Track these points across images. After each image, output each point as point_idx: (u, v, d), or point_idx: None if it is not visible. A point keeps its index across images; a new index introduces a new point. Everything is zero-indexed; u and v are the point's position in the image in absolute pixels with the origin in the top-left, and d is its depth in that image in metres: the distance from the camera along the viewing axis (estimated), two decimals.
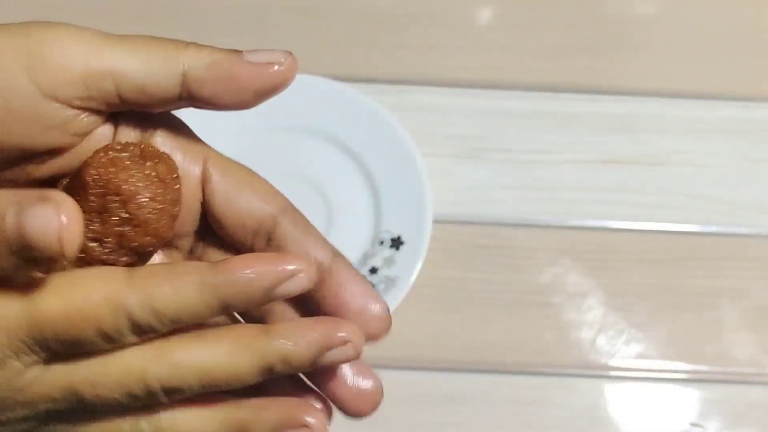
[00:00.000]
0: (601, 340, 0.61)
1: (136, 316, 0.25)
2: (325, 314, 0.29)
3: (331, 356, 0.27)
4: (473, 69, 0.68)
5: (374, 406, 0.29)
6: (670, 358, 0.61)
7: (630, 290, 0.62)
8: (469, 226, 0.64)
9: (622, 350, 0.61)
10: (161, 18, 0.68)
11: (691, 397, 0.60)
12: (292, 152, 0.64)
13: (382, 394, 0.29)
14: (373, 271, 0.61)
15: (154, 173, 0.27)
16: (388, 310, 0.30)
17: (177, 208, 0.28)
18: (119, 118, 0.29)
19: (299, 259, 0.26)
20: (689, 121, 0.67)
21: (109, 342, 0.26)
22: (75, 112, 0.27)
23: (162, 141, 0.29)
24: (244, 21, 0.69)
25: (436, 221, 0.62)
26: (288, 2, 0.70)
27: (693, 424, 0.60)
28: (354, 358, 0.28)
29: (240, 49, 0.29)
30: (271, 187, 0.30)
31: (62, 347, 0.26)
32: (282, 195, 0.30)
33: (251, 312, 0.30)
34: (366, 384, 0.29)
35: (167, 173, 0.28)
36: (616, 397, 0.60)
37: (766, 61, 0.69)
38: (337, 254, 0.30)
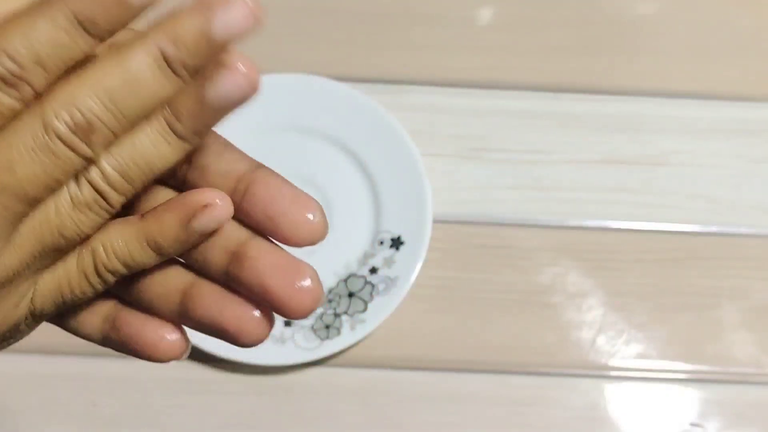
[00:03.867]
0: (601, 340, 0.61)
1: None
2: (257, 223, 0.27)
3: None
4: (473, 69, 0.68)
5: (316, 303, 0.27)
6: (670, 358, 0.61)
7: (630, 290, 0.62)
8: (469, 226, 0.64)
9: (622, 350, 0.61)
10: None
11: (691, 397, 0.60)
12: (292, 152, 0.64)
13: (321, 292, 0.27)
14: (374, 271, 0.61)
15: None
16: (322, 212, 0.27)
17: None
18: None
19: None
20: (689, 121, 0.67)
21: None
22: None
23: None
24: None
25: (436, 221, 0.62)
26: (288, 2, 0.70)
27: (693, 424, 0.60)
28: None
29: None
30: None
31: None
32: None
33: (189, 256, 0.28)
34: (304, 282, 0.27)
35: None
36: (616, 397, 0.60)
37: (765, 62, 0.69)
38: (260, 165, 0.28)
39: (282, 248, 0.27)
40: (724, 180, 0.66)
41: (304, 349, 0.59)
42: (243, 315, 0.27)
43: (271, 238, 0.27)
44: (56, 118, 0.24)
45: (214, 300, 0.27)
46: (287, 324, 0.60)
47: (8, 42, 0.23)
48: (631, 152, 0.66)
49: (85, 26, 0.24)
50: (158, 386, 0.59)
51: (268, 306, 0.27)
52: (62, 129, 0.24)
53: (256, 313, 0.27)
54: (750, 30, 0.70)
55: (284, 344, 0.59)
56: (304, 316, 0.27)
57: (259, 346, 0.60)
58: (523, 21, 0.70)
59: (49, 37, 0.24)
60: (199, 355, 0.59)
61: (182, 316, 0.28)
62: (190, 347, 0.29)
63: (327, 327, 0.59)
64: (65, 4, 0.24)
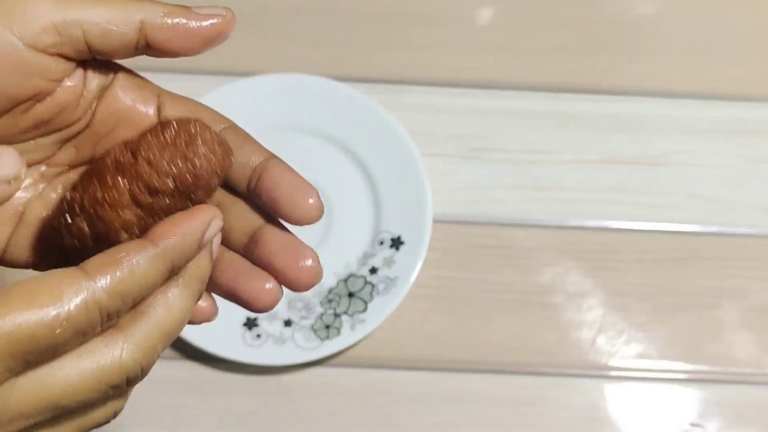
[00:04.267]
0: (601, 340, 0.61)
1: (107, 306, 0.27)
2: (265, 205, 0.33)
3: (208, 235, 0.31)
4: (473, 69, 0.68)
5: (316, 279, 0.33)
6: (670, 358, 0.61)
7: (630, 290, 0.63)
8: (469, 226, 0.64)
9: (622, 350, 0.61)
10: None
11: (691, 397, 0.60)
12: (292, 152, 0.64)
13: (321, 271, 0.33)
14: (374, 271, 0.61)
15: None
16: (318, 196, 0.32)
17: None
18: (86, 67, 0.33)
19: (208, 207, 0.31)
20: (689, 121, 0.67)
21: (82, 338, 0.27)
22: (52, 58, 0.31)
23: (122, 82, 0.34)
24: (244, 21, 0.69)
25: (436, 221, 0.62)
26: (288, 3, 0.70)
27: (693, 424, 0.60)
28: (220, 227, 0.31)
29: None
30: (215, 111, 0.34)
31: (38, 356, 0.27)
32: (225, 117, 0.34)
33: None
34: (306, 262, 0.32)
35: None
36: (616, 397, 0.60)
37: (765, 62, 0.70)
38: (272, 156, 0.33)
39: (290, 233, 0.33)
40: (724, 180, 0.66)
41: (304, 349, 0.59)
42: (256, 286, 0.32)
43: (282, 222, 0.33)
44: (134, 364, 0.28)
45: (233, 272, 0.33)
46: (287, 324, 0.60)
47: (123, 286, 0.28)
48: (631, 152, 0.66)
49: (173, 271, 0.29)
50: (158, 386, 0.59)
51: (277, 280, 0.33)
52: (139, 375, 0.29)
53: (268, 285, 0.33)
54: (750, 30, 0.70)
55: (284, 344, 0.59)
56: (305, 289, 0.33)
57: (260, 346, 0.62)
58: (523, 21, 0.70)
59: (154, 283, 0.29)
60: (199, 355, 0.59)
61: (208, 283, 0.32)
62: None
63: (327, 327, 0.59)
64: (166, 259, 0.29)
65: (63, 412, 0.28)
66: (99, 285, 0.27)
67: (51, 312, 0.26)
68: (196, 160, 0.31)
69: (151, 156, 0.31)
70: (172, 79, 0.66)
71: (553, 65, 0.68)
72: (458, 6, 0.70)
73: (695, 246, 0.64)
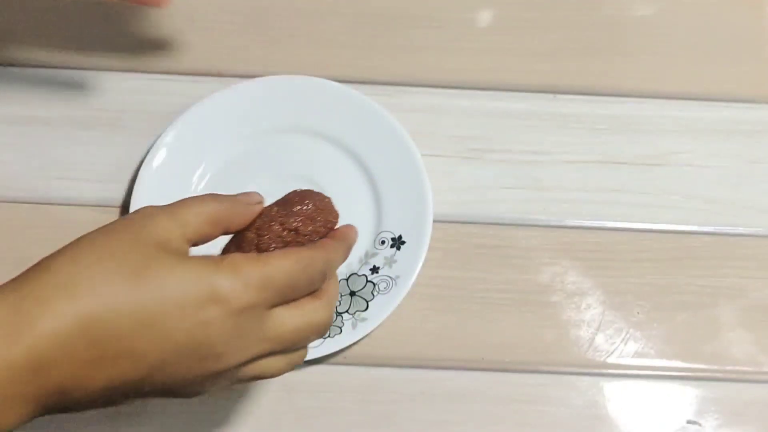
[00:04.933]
0: (600, 339, 0.62)
1: (326, 268, 0.43)
2: None
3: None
4: (473, 70, 0.68)
5: None
6: (668, 357, 0.61)
7: (628, 289, 0.63)
8: (469, 226, 0.64)
9: (621, 348, 0.62)
10: (162, 18, 0.69)
11: (689, 395, 0.61)
12: (293, 153, 0.65)
13: None
14: (375, 270, 0.61)
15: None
16: None
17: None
18: None
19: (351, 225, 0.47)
20: (687, 122, 0.68)
21: (311, 286, 0.42)
22: None
23: None
24: (246, 23, 0.69)
25: (436, 221, 0.62)
26: (289, 4, 0.70)
27: (690, 422, 0.60)
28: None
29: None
30: None
31: (287, 291, 0.40)
32: None
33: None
34: None
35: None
36: (614, 395, 0.61)
37: (763, 63, 0.70)
38: None
39: None
40: (722, 180, 0.66)
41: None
42: None
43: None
44: (328, 319, 0.44)
45: None
46: None
47: (333, 260, 0.44)
48: (630, 153, 0.67)
49: (346, 258, 0.47)
50: None
51: None
52: (328, 329, 0.44)
53: None
54: (748, 32, 0.71)
55: None
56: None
57: None
58: (523, 23, 0.70)
59: (340, 263, 0.46)
60: None
61: None
62: None
63: None
64: (347, 250, 0.47)
65: (287, 346, 0.42)
66: (323, 254, 0.42)
67: (299, 262, 0.41)
68: (331, 221, 0.46)
69: (306, 230, 0.45)
70: (175, 82, 0.66)
71: (552, 67, 0.69)
72: (458, 8, 0.71)
73: (693, 246, 0.64)
